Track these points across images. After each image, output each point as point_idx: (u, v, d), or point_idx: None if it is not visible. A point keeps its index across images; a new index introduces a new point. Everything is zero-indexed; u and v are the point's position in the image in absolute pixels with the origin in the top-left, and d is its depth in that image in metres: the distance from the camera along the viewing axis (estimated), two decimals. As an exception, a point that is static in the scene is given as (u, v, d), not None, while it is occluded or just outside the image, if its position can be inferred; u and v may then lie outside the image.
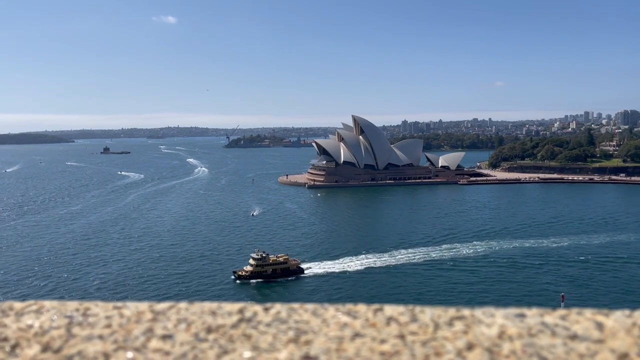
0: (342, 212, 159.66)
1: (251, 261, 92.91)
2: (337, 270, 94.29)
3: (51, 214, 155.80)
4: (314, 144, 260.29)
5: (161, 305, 2.18)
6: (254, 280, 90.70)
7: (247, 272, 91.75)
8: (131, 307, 2.17)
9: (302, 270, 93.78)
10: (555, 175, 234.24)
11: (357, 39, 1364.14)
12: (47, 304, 2.23)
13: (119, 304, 2.21)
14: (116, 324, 2.03)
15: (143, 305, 2.18)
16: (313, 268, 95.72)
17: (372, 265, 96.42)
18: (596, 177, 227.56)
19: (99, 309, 2.16)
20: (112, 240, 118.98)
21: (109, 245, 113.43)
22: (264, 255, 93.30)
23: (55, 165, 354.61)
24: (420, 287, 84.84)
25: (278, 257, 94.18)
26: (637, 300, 77.60)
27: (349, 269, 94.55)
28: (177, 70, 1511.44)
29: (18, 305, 2.22)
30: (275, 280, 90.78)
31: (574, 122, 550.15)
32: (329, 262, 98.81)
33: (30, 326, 2.04)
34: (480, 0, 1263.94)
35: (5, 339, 1.96)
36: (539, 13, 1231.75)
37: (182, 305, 2.17)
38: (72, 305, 2.20)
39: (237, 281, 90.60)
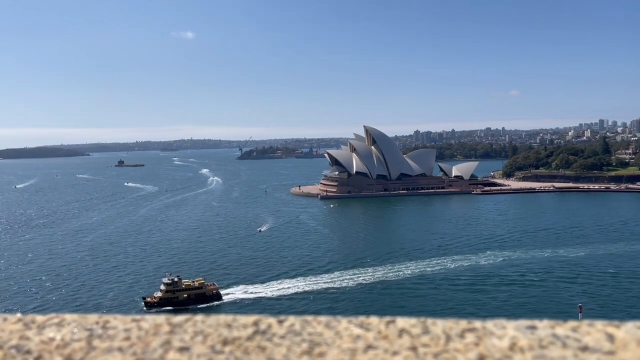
0: (355, 223, 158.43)
1: (162, 287, 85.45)
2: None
3: (68, 226, 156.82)
4: (326, 155, 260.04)
5: (178, 318, 2.23)
6: (164, 308, 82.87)
7: (156, 298, 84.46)
8: (149, 320, 2.21)
9: (219, 296, 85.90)
10: (570, 184, 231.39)
11: (368, 50, 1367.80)
12: (68, 317, 2.28)
13: (137, 316, 2.26)
14: (135, 337, 2.07)
15: (160, 318, 2.23)
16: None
17: (386, 278, 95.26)
18: (612, 186, 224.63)
19: (118, 321, 2.21)
20: (122, 253, 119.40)
21: (120, 257, 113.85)
22: (175, 279, 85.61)
23: (71, 179, 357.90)
24: (433, 299, 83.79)
25: (193, 282, 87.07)
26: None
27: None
28: (192, 84, 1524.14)
29: (40, 318, 2.28)
30: (187, 307, 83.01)
31: (589, 130, 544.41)
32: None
33: (52, 339, 2.09)
34: (494, 11, 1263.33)
35: (28, 352, 2.01)
36: (553, 22, 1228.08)
37: (199, 317, 2.22)
38: (92, 318, 2.25)
39: (145, 308, 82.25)
